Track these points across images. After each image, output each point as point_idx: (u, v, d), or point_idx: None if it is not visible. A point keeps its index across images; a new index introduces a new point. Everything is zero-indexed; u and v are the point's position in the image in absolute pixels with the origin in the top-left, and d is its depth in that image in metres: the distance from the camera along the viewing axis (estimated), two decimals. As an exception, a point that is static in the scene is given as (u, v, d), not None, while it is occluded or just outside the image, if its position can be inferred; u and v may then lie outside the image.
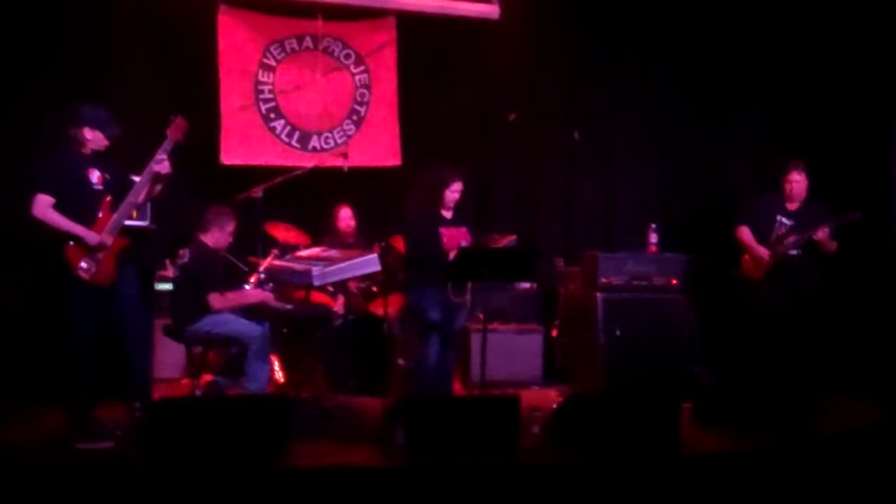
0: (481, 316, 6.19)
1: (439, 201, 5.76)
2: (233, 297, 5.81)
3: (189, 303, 5.70)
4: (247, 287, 6.05)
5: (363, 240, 7.11)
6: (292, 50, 7.59)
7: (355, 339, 6.65)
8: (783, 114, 7.80)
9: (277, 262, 6.12)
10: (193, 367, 6.02)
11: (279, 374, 6.34)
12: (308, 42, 7.61)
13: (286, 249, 6.60)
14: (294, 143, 7.58)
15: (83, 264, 5.08)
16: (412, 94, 7.70)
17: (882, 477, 4.81)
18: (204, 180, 7.17)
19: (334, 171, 7.00)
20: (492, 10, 7.57)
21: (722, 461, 5.04)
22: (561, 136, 7.66)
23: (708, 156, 8.07)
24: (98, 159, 5.25)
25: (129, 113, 6.18)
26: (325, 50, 7.63)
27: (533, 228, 7.91)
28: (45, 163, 5.24)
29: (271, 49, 7.53)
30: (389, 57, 7.71)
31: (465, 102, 7.79)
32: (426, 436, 4.83)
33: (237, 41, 7.38)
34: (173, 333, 5.83)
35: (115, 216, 5.17)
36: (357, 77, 7.71)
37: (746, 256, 6.77)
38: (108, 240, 5.13)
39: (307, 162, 7.16)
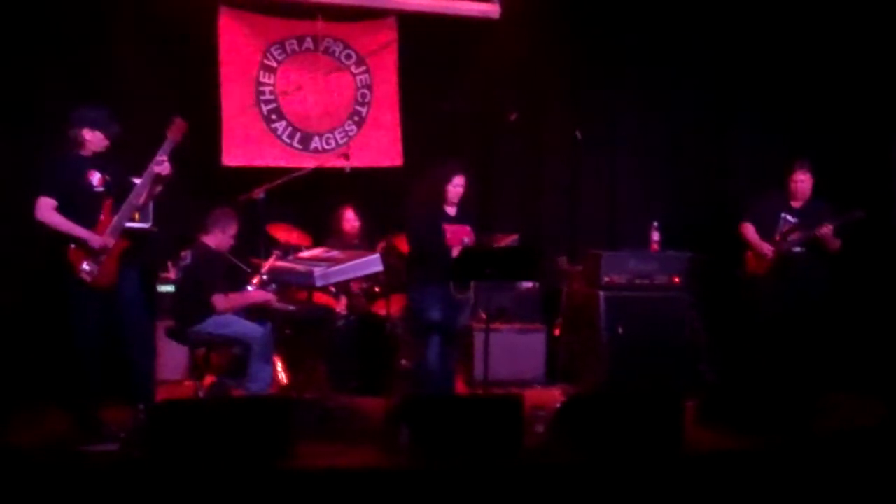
0: (484, 315, 6.20)
1: (442, 196, 5.75)
2: (235, 299, 5.82)
3: (191, 304, 5.70)
4: (249, 288, 6.05)
5: (367, 240, 7.11)
6: (293, 51, 7.59)
7: (358, 340, 6.65)
8: (786, 112, 7.78)
9: (279, 263, 6.11)
10: (196, 369, 6.03)
11: (282, 375, 6.34)
12: (309, 43, 7.61)
13: (288, 250, 6.60)
14: (295, 143, 7.57)
15: (85, 267, 5.08)
16: (413, 95, 7.70)
17: (887, 476, 4.80)
18: (205, 182, 7.17)
19: (336, 172, 7.00)
20: (492, 10, 7.57)
21: (726, 460, 5.04)
22: (563, 135, 7.65)
23: (710, 154, 8.06)
24: (98, 161, 5.24)
25: (130, 115, 6.17)
26: (326, 51, 7.63)
27: (535, 227, 7.90)
28: (46, 166, 5.24)
29: (272, 50, 7.53)
30: (390, 57, 7.70)
31: (467, 102, 7.78)
32: (429, 436, 4.83)
33: (238, 42, 7.38)
34: (176, 335, 5.83)
35: (116, 218, 5.17)
36: (358, 77, 7.71)
37: (750, 253, 6.77)
38: (110, 242, 5.13)
39: (308, 163, 7.16)
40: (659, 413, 5.16)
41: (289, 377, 6.35)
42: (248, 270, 6.45)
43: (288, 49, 7.58)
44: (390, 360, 6.52)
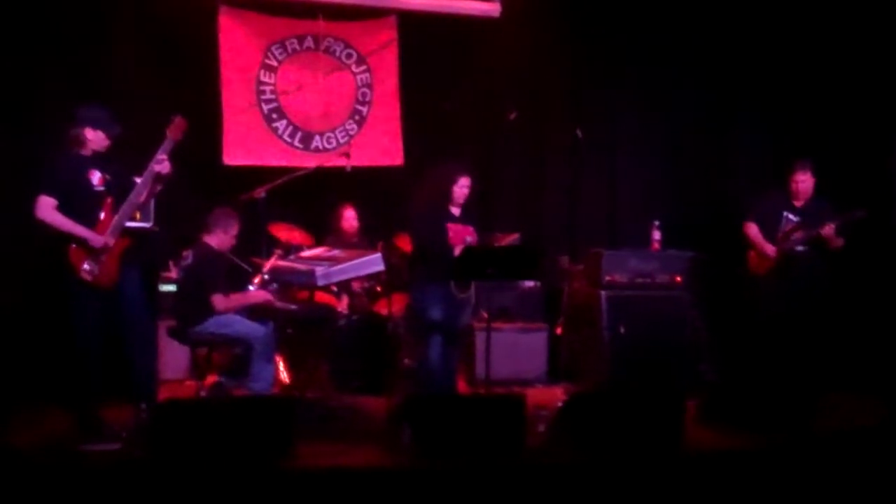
0: (486, 314, 6.19)
1: (448, 197, 5.74)
2: (237, 298, 5.82)
3: (193, 304, 5.70)
4: (250, 288, 6.05)
5: (366, 240, 7.11)
6: (294, 50, 7.59)
7: (360, 339, 6.65)
8: (786, 111, 7.78)
9: (281, 263, 6.11)
10: (198, 369, 6.03)
11: (284, 375, 6.35)
12: (309, 42, 7.61)
13: (289, 250, 6.60)
14: (296, 143, 7.57)
15: (86, 266, 5.08)
16: (414, 94, 7.70)
17: (887, 476, 4.80)
18: (206, 181, 7.17)
19: (337, 171, 7.00)
20: (493, 9, 7.57)
21: (726, 459, 5.04)
22: (564, 134, 7.64)
23: (711, 153, 8.06)
24: (99, 160, 5.24)
25: (130, 114, 6.16)
26: (327, 50, 7.62)
27: (536, 227, 7.91)
28: (46, 165, 5.24)
29: (273, 49, 7.53)
30: (391, 56, 7.70)
31: (467, 101, 7.79)
32: (432, 435, 4.83)
33: (238, 42, 7.38)
34: (177, 335, 5.83)
35: (116, 217, 5.16)
36: (359, 77, 7.71)
37: (752, 253, 6.77)
38: (111, 241, 5.12)
39: (309, 162, 7.16)
40: (660, 412, 5.16)
41: (290, 377, 6.35)
42: (250, 270, 6.45)
43: (289, 48, 7.58)
44: (392, 360, 6.52)
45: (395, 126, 7.71)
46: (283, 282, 6.16)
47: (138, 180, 5.27)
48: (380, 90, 7.72)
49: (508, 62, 7.71)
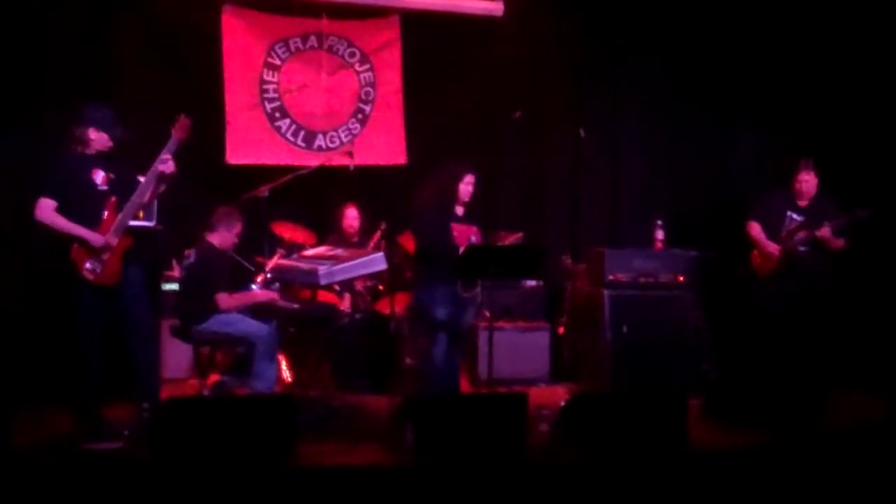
0: (488, 313, 6.19)
1: (454, 196, 5.72)
2: (240, 297, 5.82)
3: (196, 303, 5.70)
4: (253, 287, 6.05)
5: (368, 239, 7.10)
6: (297, 49, 7.59)
7: (362, 338, 6.65)
8: (789, 110, 7.77)
9: (283, 262, 6.11)
10: (201, 367, 6.03)
11: (286, 374, 6.35)
12: (313, 41, 7.61)
13: (292, 249, 6.60)
14: (299, 142, 7.58)
15: (88, 265, 5.08)
16: (417, 93, 7.70)
17: (891, 474, 4.79)
18: (209, 180, 7.16)
19: (340, 170, 7.00)
20: (496, 8, 7.57)
21: (730, 458, 5.03)
22: (566, 133, 7.65)
23: (713, 152, 8.06)
24: (103, 159, 5.24)
25: (133, 113, 6.19)
26: (330, 49, 7.62)
27: (539, 226, 7.90)
28: (48, 165, 5.24)
29: (276, 48, 7.53)
30: (394, 55, 7.70)
31: (470, 100, 7.78)
32: (434, 434, 4.82)
33: (242, 41, 7.39)
34: (180, 333, 5.83)
35: (119, 216, 5.16)
36: (362, 76, 7.71)
37: (755, 252, 6.77)
38: (113, 240, 5.12)
39: (312, 161, 7.16)
40: (663, 411, 5.16)
41: (293, 375, 6.36)
42: (252, 269, 6.45)
43: (292, 47, 7.58)
44: (394, 359, 6.52)
45: (399, 125, 7.71)
46: (286, 281, 6.17)
47: (142, 179, 5.28)
48: (383, 89, 7.72)
49: (511, 62, 7.70)
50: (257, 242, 6.42)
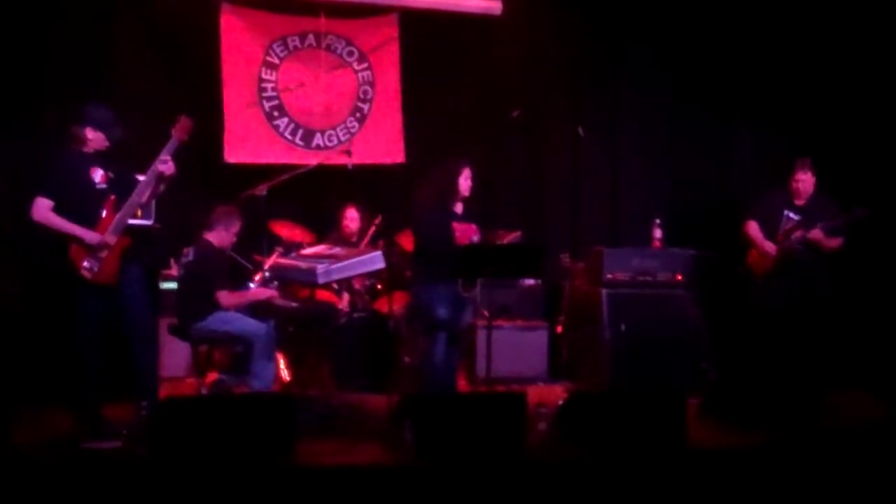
0: (486, 312, 6.19)
1: (455, 192, 5.70)
2: (240, 295, 5.82)
3: (194, 301, 5.70)
4: (251, 285, 6.05)
5: (365, 237, 7.10)
6: (295, 48, 7.59)
7: (361, 337, 6.65)
8: (788, 108, 7.78)
9: (282, 260, 6.11)
10: (199, 366, 6.02)
11: (285, 373, 6.34)
12: (311, 40, 7.60)
13: (290, 247, 6.60)
14: (297, 140, 7.57)
15: (86, 264, 5.07)
16: (415, 91, 7.69)
17: (889, 472, 4.80)
18: (208, 179, 7.16)
19: (338, 169, 7.00)
20: (494, 7, 7.58)
21: (728, 457, 5.04)
22: (565, 132, 7.65)
23: (713, 151, 8.06)
24: (102, 158, 5.23)
25: (132, 112, 6.18)
26: (328, 47, 7.62)
27: (538, 225, 7.91)
28: (47, 164, 5.24)
29: (274, 47, 7.52)
30: (392, 54, 7.70)
31: (469, 99, 7.78)
32: (433, 433, 4.83)
33: (240, 39, 7.38)
34: (178, 332, 5.83)
35: (118, 216, 5.15)
36: (360, 74, 7.70)
37: (753, 251, 6.77)
38: (111, 239, 5.11)
39: (311, 160, 7.15)
40: (662, 410, 5.16)
41: (291, 374, 6.35)
42: (251, 267, 6.45)
43: (290, 46, 7.57)
44: (393, 358, 6.52)
45: (397, 124, 7.70)
46: (284, 279, 6.16)
47: (141, 178, 5.27)
48: (381, 88, 7.72)
49: (510, 60, 7.71)
50: (255, 241, 6.40)
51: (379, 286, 6.99)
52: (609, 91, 7.99)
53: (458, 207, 5.78)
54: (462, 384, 6.54)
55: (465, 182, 5.71)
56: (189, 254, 5.88)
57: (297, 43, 7.59)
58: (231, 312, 5.69)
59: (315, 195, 7.35)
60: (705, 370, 6.58)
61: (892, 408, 5.96)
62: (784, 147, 7.41)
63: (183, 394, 6.06)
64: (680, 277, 6.68)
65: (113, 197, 5.19)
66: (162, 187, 5.32)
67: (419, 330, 5.99)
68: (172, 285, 6.50)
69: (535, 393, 6.12)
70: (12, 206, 5.62)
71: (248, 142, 7.40)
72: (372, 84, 7.72)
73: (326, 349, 6.42)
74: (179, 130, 5.24)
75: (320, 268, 5.44)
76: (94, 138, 5.20)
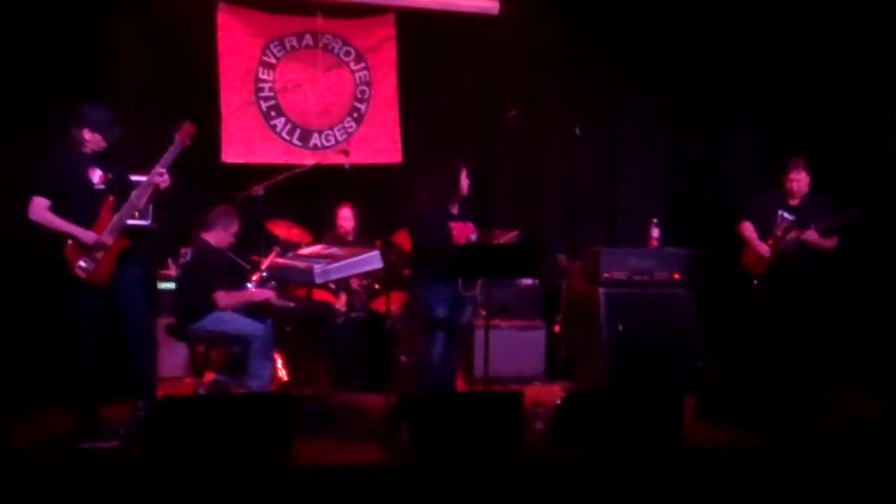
0: (484, 312, 6.19)
1: (456, 192, 5.68)
2: (238, 295, 5.82)
3: (191, 301, 5.70)
4: (249, 285, 6.05)
5: (363, 238, 7.10)
6: (292, 47, 7.59)
7: (358, 337, 6.66)
8: (785, 109, 7.78)
9: (279, 260, 6.11)
10: (196, 366, 6.02)
11: (282, 372, 6.34)
12: (308, 39, 7.60)
13: (288, 247, 6.60)
14: (295, 140, 7.57)
15: (81, 263, 5.07)
16: (412, 91, 7.69)
17: (887, 472, 4.81)
18: (205, 179, 7.16)
19: (335, 169, 7.00)
20: (491, 6, 7.58)
21: (725, 456, 5.04)
22: (562, 131, 7.65)
23: (710, 151, 8.07)
24: (101, 159, 5.23)
25: (129, 113, 6.18)
26: (325, 47, 7.62)
27: (535, 224, 7.91)
28: (45, 164, 5.24)
29: (271, 47, 7.52)
30: (389, 54, 7.70)
31: (466, 99, 7.78)
32: (430, 432, 4.84)
33: (237, 39, 7.38)
34: (176, 332, 5.83)
35: (116, 217, 5.15)
36: (357, 74, 7.70)
37: (748, 252, 6.77)
38: (108, 240, 5.11)
39: (308, 159, 7.15)
40: (658, 409, 5.17)
41: (289, 374, 6.35)
42: (248, 267, 6.44)
43: (287, 46, 7.57)
44: (391, 357, 6.52)
45: (394, 124, 7.70)
46: (282, 279, 6.16)
47: (137, 178, 5.27)
48: (378, 88, 7.72)
49: (507, 60, 7.71)
50: (253, 241, 6.41)
51: (376, 286, 6.99)
52: (606, 91, 8.00)
53: (454, 208, 5.78)
54: (460, 384, 6.54)
55: (464, 181, 5.71)
56: (187, 254, 5.88)
57: (295, 43, 7.59)
58: (228, 312, 5.69)
59: (312, 195, 7.35)
60: (702, 369, 6.58)
61: (889, 407, 5.97)
62: (782, 146, 7.40)
63: (180, 394, 6.05)
64: (677, 277, 6.69)
65: (111, 198, 5.19)
66: (157, 196, 5.31)
67: (417, 329, 5.99)
68: (170, 285, 6.49)
69: (532, 392, 6.12)
70: (10, 206, 5.62)
71: (245, 142, 7.40)
72: (369, 84, 7.72)
73: (324, 349, 6.42)
74: (183, 135, 5.25)
75: (318, 268, 5.44)
76: (92, 139, 5.20)
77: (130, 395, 5.28)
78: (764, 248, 6.64)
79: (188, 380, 6.45)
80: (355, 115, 7.69)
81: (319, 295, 6.75)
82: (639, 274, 6.65)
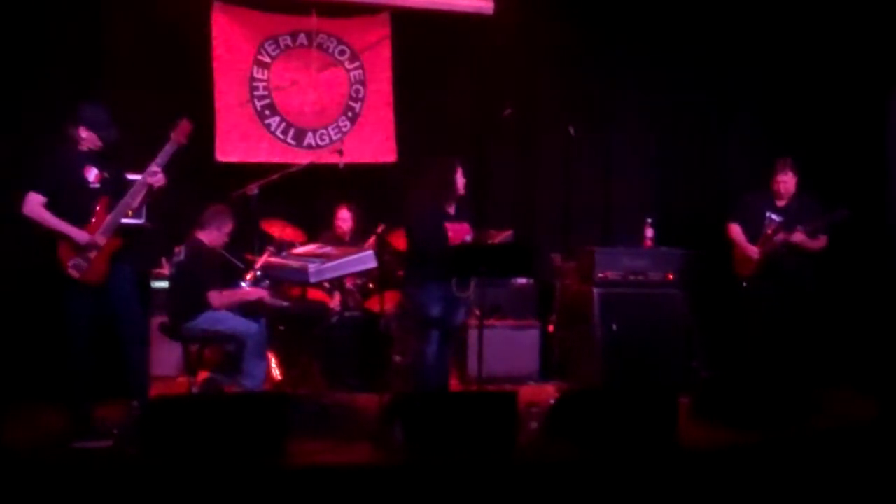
0: (478, 311, 6.19)
1: (452, 191, 5.67)
2: (231, 295, 5.81)
3: (185, 301, 5.69)
4: (243, 284, 6.04)
5: (361, 239, 7.09)
6: (287, 46, 7.57)
7: (352, 336, 6.65)
8: (779, 110, 7.79)
9: (273, 260, 6.10)
10: (190, 365, 6.01)
11: (276, 372, 6.34)
12: (302, 38, 7.59)
13: (282, 246, 6.58)
14: (289, 139, 7.56)
15: (73, 262, 5.06)
16: (407, 91, 7.69)
17: (879, 472, 4.82)
18: (199, 177, 7.13)
19: (329, 168, 6.99)
20: (486, 6, 7.59)
21: (719, 456, 5.05)
22: (556, 131, 7.65)
23: (704, 151, 8.07)
24: (97, 157, 5.23)
25: (124, 111, 6.14)
26: (320, 46, 7.61)
27: (530, 224, 7.91)
28: (41, 161, 5.22)
29: (266, 46, 7.51)
30: (384, 53, 7.69)
31: (461, 98, 7.78)
32: (424, 432, 4.83)
33: (231, 38, 7.36)
34: (169, 331, 5.82)
35: (110, 217, 5.13)
36: (352, 73, 7.70)
37: (737, 253, 6.76)
38: (101, 240, 5.10)
39: (302, 159, 7.15)
40: (653, 409, 5.18)
41: (283, 374, 6.35)
42: (242, 266, 6.44)
43: (282, 44, 7.56)
44: (385, 357, 6.52)
45: (389, 123, 7.70)
46: (276, 278, 6.15)
47: (132, 177, 5.26)
48: (373, 87, 7.71)
49: (502, 59, 7.72)
50: (247, 240, 6.40)
51: (370, 285, 6.99)
52: (600, 91, 8.00)
53: (450, 208, 5.77)
54: (454, 384, 6.54)
55: (460, 179, 5.71)
56: (180, 253, 5.86)
57: (289, 42, 7.58)
58: (222, 311, 5.68)
59: (307, 194, 7.34)
60: (696, 369, 6.60)
61: (881, 407, 5.98)
62: (777, 147, 7.40)
63: (174, 393, 6.04)
64: (671, 277, 6.70)
65: (106, 197, 5.17)
66: (151, 195, 5.30)
67: (411, 329, 5.99)
68: (164, 284, 6.48)
69: (526, 392, 6.13)
70: (4, 205, 5.60)
71: (239, 141, 7.38)
72: (364, 83, 7.71)
73: (318, 348, 6.41)
74: (179, 133, 5.24)
75: (312, 267, 5.44)
76: (88, 137, 5.19)
77: (124, 395, 5.27)
78: (753, 251, 6.63)
79: (182, 379, 6.43)
80: (350, 114, 7.68)
81: (314, 294, 6.74)
82: (633, 274, 6.67)
